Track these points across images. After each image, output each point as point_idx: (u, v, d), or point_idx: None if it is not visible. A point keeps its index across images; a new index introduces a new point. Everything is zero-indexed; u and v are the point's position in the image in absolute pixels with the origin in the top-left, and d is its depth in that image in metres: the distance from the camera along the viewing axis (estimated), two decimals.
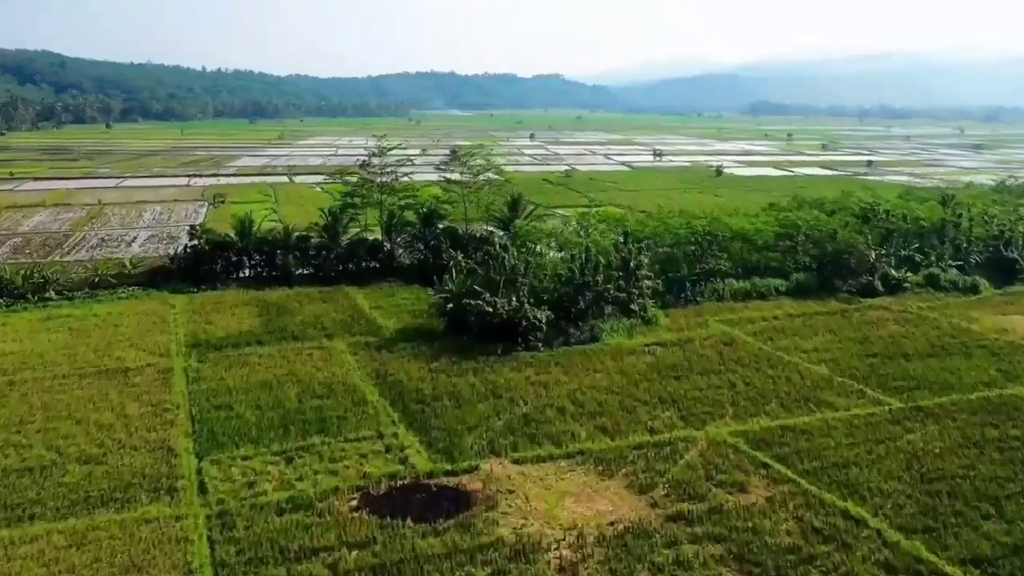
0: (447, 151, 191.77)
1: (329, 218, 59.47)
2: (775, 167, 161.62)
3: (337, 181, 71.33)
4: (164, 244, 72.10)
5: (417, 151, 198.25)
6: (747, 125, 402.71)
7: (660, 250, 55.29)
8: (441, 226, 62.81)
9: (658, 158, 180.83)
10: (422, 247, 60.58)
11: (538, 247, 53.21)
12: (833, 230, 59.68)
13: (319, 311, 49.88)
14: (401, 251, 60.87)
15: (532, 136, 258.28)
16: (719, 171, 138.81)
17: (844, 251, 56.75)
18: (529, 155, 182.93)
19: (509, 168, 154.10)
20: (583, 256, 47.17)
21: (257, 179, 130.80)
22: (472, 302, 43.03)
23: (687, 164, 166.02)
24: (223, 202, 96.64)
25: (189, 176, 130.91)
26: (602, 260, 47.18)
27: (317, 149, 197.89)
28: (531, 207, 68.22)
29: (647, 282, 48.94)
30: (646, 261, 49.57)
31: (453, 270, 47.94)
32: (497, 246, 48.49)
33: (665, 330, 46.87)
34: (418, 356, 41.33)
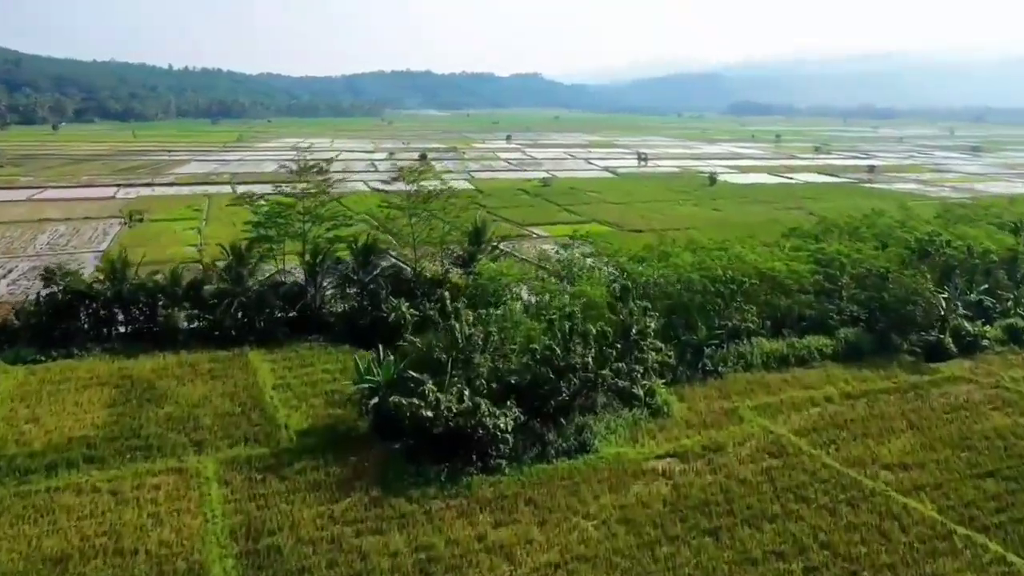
0: (416, 155, 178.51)
1: (231, 256, 45.33)
2: (770, 173, 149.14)
3: (268, 194, 55.90)
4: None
5: (383, 155, 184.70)
6: (731, 126, 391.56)
7: (667, 301, 42.08)
8: (384, 264, 48.96)
9: (643, 162, 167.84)
10: (357, 292, 46.71)
11: (506, 302, 39.57)
12: (884, 269, 46.58)
13: (200, 394, 35.85)
14: (329, 298, 46.87)
15: (508, 138, 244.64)
16: (713, 179, 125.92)
17: (905, 298, 43.53)
18: (504, 160, 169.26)
19: (483, 175, 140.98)
20: (566, 325, 33.47)
21: (199, 188, 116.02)
22: (404, 401, 29.26)
23: (675, 169, 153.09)
24: (140, 220, 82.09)
25: (119, 186, 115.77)
26: (592, 329, 33.50)
27: (276, 152, 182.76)
28: (495, 242, 54.41)
29: (654, 354, 35.49)
30: (652, 326, 36.04)
31: (380, 348, 34.09)
32: (447, 305, 34.74)
33: (682, 426, 33.38)
34: (320, 488, 27.52)
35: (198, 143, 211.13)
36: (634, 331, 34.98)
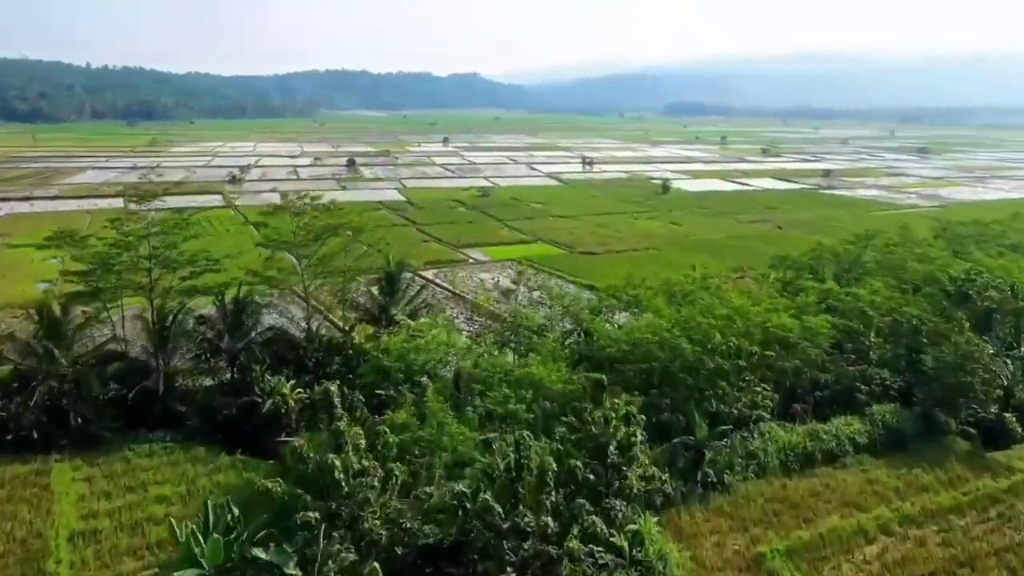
0: (345, 159, 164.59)
1: (38, 322, 32.28)
2: (723, 178, 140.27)
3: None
4: None
5: (309, 160, 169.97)
6: (672, 126, 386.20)
7: (643, 370, 31.08)
8: (262, 326, 36.42)
9: (588, 167, 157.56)
10: (224, 367, 34.22)
11: (424, 388, 27.80)
12: (917, 320, 36.15)
13: None
14: (183, 376, 34.12)
15: (446, 140, 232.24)
16: (666, 186, 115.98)
17: (956, 363, 32.98)
18: (441, 165, 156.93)
19: (416, 183, 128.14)
20: (512, 462, 21.70)
21: (85, 203, 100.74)
22: None
23: (623, 175, 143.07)
24: None
25: None
26: (551, 465, 21.76)
27: (190, 158, 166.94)
28: (416, 290, 42.45)
29: (638, 477, 24.14)
30: (639, 437, 24.61)
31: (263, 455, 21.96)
32: (334, 402, 22.73)
33: None
34: None
35: (105, 148, 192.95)
36: (613, 447, 23.53)
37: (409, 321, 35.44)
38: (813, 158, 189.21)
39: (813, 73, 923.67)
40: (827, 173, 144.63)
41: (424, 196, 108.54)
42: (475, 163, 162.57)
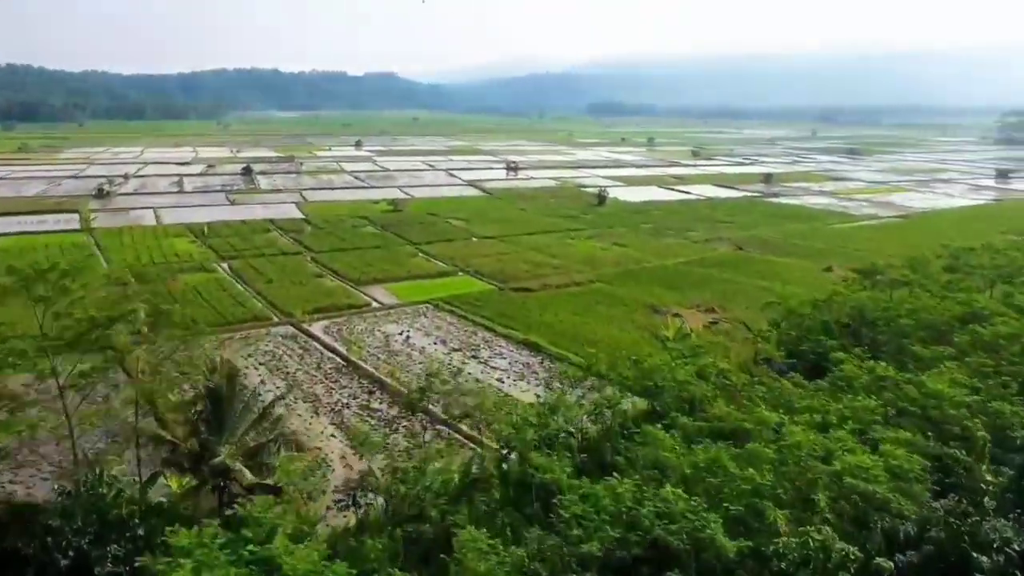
0: (242, 167, 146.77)
1: None
2: (660, 185, 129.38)
3: None
4: None
5: (202, 167, 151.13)
6: (595, 127, 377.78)
7: None
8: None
9: (513, 173, 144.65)
10: None
11: None
12: None
13: None
14: None
15: (358, 143, 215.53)
16: (602, 197, 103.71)
17: None
18: (350, 172, 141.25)
19: (318, 195, 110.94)
20: None
21: None
22: None
23: (552, 183, 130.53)
24: None
25: None
26: None
27: (61, 166, 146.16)
28: (263, 406, 27.79)
29: None
30: None
31: None
32: None
33: None
34: None
35: None
36: None
37: (245, 473, 21.06)
38: (746, 160, 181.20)
39: (728, 73, 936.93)
40: (767, 178, 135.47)
41: (326, 212, 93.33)
42: (389, 169, 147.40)
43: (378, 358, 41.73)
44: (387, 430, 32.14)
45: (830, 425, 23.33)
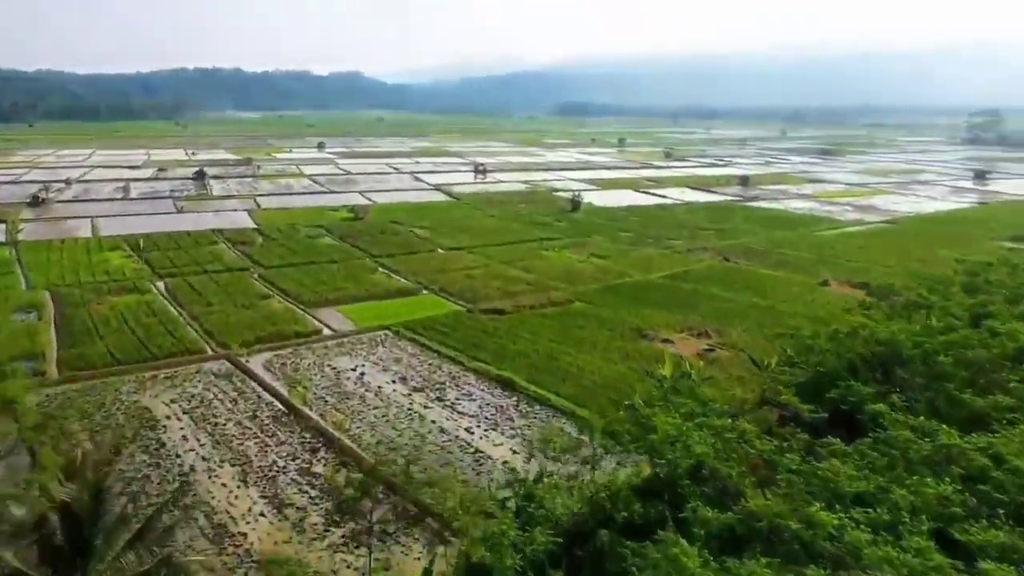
0: (195, 170, 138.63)
1: None
2: (634, 189, 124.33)
3: None
4: None
5: (152, 171, 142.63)
6: (565, 127, 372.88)
7: None
8: None
9: (482, 176, 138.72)
10: None
11: None
12: None
13: None
14: None
15: (321, 145, 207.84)
16: (576, 202, 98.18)
17: None
18: (309, 176, 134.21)
19: (273, 202, 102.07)
20: None
21: None
22: None
23: (522, 186, 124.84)
24: None
25: None
26: None
27: (1, 171, 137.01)
28: (159, 504, 21.48)
29: None
30: None
31: None
32: None
33: None
34: None
35: None
36: None
37: None
38: (720, 162, 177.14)
39: (693, 73, 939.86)
40: (744, 180, 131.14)
41: (281, 220, 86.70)
42: (351, 173, 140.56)
43: (326, 401, 35.62)
44: (328, 506, 26.09)
45: (900, 523, 17.84)
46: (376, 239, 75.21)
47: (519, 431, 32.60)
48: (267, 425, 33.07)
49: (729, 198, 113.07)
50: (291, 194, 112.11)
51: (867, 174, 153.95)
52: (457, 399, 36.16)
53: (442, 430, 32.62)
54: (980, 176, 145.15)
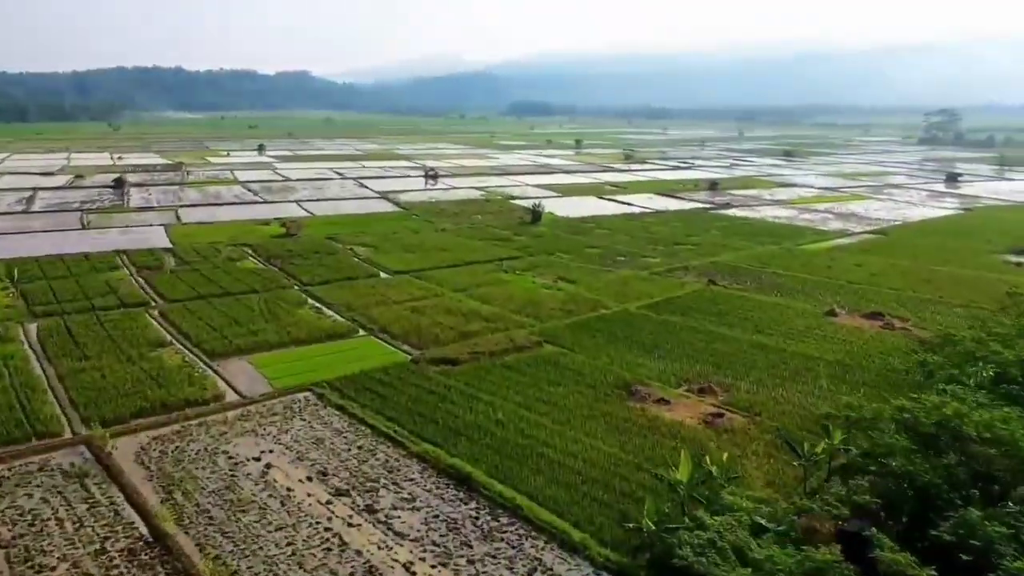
0: (114, 178, 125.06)
1: None
2: (598, 195, 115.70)
3: None
4: None
5: (68, 178, 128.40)
6: (519, 128, 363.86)
7: None
8: None
9: (432, 182, 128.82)
10: None
11: None
12: None
13: None
14: None
15: (261, 148, 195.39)
16: (536, 213, 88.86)
17: None
18: (243, 183, 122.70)
19: (196, 216, 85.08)
20: None
21: None
22: None
23: (476, 193, 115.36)
24: None
25: None
26: None
27: None
28: None
29: None
30: None
31: None
32: None
33: None
34: None
35: None
36: None
37: None
38: (682, 164, 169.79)
39: (646, 73, 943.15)
40: (713, 185, 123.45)
41: (202, 237, 75.78)
42: (290, 179, 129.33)
43: (210, 519, 25.53)
44: None
45: None
46: (308, 261, 64.81)
47: (482, 571, 23.00)
48: (118, 569, 22.92)
49: (700, 205, 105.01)
50: (220, 204, 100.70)
51: (837, 177, 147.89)
52: (394, 508, 26.38)
53: (370, 571, 22.88)
54: (952, 179, 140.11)
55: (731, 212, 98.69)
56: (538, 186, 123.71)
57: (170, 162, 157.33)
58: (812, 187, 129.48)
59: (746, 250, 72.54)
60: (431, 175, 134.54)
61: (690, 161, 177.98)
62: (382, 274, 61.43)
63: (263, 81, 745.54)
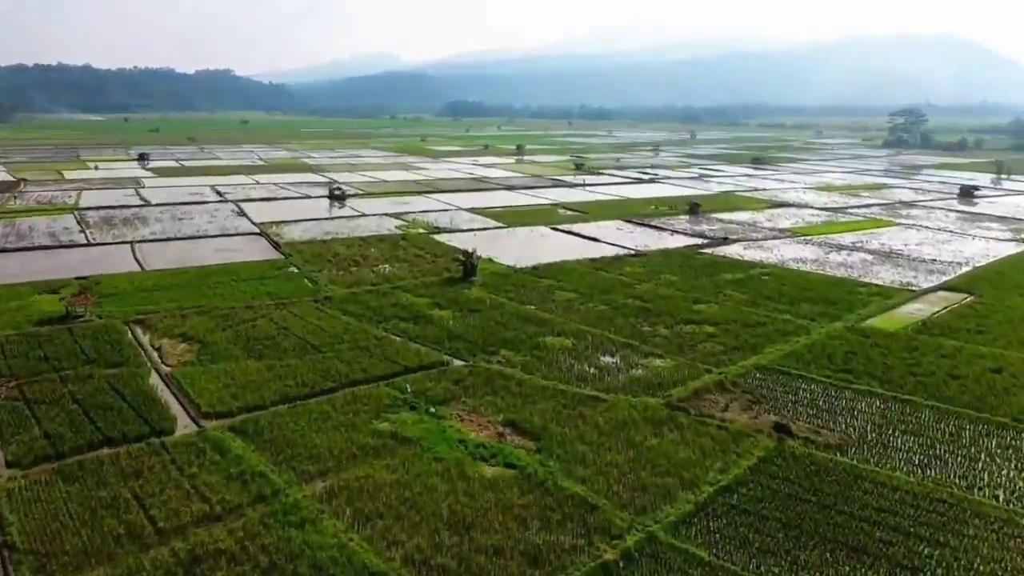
0: None
1: None
2: (551, 225, 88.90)
3: None
4: None
5: None
6: (453, 130, 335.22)
7: None
8: None
9: (338, 205, 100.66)
10: None
11: None
12: None
13: None
14: None
15: (142, 158, 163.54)
16: (469, 265, 61.02)
17: None
18: (81, 211, 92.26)
19: None
20: None
21: None
22: None
23: (392, 224, 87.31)
24: None
25: None
26: None
27: None
28: None
29: None
30: None
31: None
32: None
33: None
34: None
35: None
36: None
37: None
38: (644, 176, 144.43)
39: (582, 71, 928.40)
40: (694, 208, 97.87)
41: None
42: (150, 203, 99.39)
43: None
44: None
45: None
46: (52, 391, 36.06)
47: None
48: None
49: (689, 241, 79.19)
50: (16, 250, 70.50)
51: (831, 192, 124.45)
52: None
53: None
54: (967, 194, 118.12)
55: (734, 251, 73.08)
56: (474, 210, 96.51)
57: (11, 179, 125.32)
58: (811, 207, 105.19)
59: (795, 335, 46.39)
60: (337, 195, 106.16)
61: (650, 172, 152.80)
62: (180, 423, 33.14)
63: (181, 81, 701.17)
